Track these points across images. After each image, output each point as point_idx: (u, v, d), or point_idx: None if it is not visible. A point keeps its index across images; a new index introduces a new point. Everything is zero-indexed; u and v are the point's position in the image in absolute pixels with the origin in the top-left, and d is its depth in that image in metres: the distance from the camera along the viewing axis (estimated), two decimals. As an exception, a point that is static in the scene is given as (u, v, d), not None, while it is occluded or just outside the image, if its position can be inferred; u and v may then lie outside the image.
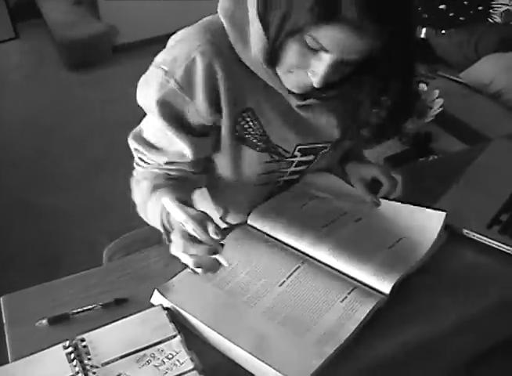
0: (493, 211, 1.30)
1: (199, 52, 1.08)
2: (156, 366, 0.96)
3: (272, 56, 1.04)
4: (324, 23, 0.91)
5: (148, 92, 1.14)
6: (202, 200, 1.43)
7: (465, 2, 3.35)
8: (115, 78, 4.12)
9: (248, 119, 1.18)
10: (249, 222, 1.27)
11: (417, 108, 2.30)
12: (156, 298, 1.09)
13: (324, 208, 1.31)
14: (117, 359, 0.97)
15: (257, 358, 0.95)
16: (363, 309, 1.05)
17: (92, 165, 3.23)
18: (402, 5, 0.94)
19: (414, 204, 1.28)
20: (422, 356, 1.12)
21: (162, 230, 1.17)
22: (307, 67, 1.03)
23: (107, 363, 0.97)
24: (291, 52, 1.01)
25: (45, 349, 1.01)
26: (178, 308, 1.06)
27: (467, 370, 1.27)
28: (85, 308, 1.09)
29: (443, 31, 3.35)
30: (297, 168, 1.32)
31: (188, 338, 1.01)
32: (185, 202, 1.08)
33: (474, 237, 1.25)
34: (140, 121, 1.23)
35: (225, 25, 1.09)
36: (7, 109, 3.87)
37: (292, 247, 1.20)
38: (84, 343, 1.01)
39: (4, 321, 1.10)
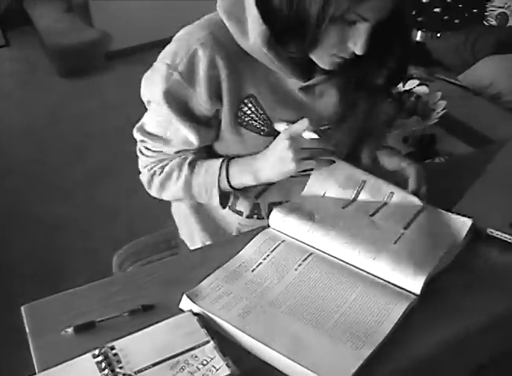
0: (515, 210, 1.30)
1: (200, 45, 1.16)
2: (191, 372, 0.94)
3: (311, 44, 1.09)
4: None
5: (152, 85, 1.22)
6: None
7: (460, 5, 3.36)
8: (109, 85, 4.10)
9: (250, 105, 1.23)
10: (270, 224, 1.26)
11: (421, 110, 2.30)
12: (185, 304, 1.07)
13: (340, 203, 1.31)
14: (149, 367, 0.95)
15: (294, 361, 0.94)
16: (397, 310, 1.04)
17: (90, 173, 3.21)
18: None
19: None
20: (451, 354, 1.11)
21: (217, 197, 1.27)
22: (346, 42, 1.09)
23: (140, 370, 0.95)
24: (332, 35, 1.06)
25: (73, 358, 0.98)
26: (208, 313, 1.04)
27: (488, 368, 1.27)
28: (111, 315, 1.07)
29: (439, 34, 3.37)
30: None
31: (221, 344, 0.99)
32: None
33: (498, 236, 1.24)
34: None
35: (224, 18, 1.16)
36: (0, 117, 3.84)
37: (318, 250, 1.19)
38: (114, 351, 0.98)
39: (27, 331, 1.08)
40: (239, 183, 1.27)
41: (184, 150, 1.28)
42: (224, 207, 1.32)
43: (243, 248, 1.20)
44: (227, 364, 0.94)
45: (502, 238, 1.24)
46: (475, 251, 1.22)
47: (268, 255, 1.17)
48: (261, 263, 1.15)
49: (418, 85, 2.47)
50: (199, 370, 0.94)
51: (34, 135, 3.61)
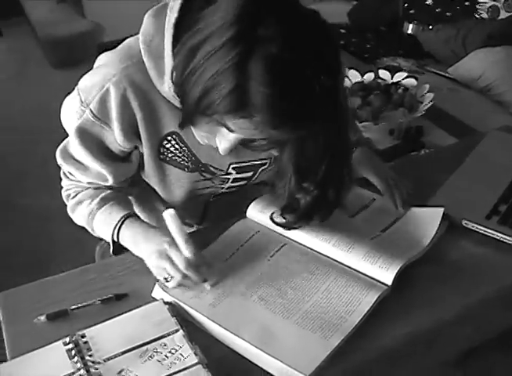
0: (491, 201, 1.30)
1: (112, 83, 1.08)
2: (159, 360, 0.94)
3: (187, 121, 1.04)
4: (232, 116, 0.91)
5: (68, 116, 1.18)
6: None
7: (452, -2, 3.36)
8: (101, 76, 4.08)
9: (174, 142, 1.17)
10: (248, 216, 1.26)
11: (408, 102, 2.30)
12: (157, 293, 1.08)
13: None
14: (118, 355, 0.96)
15: (262, 350, 0.94)
16: (367, 301, 1.04)
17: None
18: (314, 109, 0.92)
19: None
20: (422, 346, 1.12)
21: (111, 243, 1.19)
22: (215, 135, 1.03)
23: (109, 358, 0.96)
24: (203, 124, 1.01)
25: (44, 346, 0.99)
26: (179, 302, 1.05)
27: (459, 362, 1.27)
28: (85, 303, 1.07)
29: (430, 27, 3.36)
30: (235, 184, 1.30)
31: (191, 332, 0.99)
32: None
33: (474, 228, 1.24)
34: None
35: (142, 51, 1.06)
36: (-8, 107, 3.82)
37: (292, 240, 1.20)
38: (84, 339, 0.99)
39: (1, 319, 1.08)
40: (124, 244, 1.18)
41: (97, 184, 1.22)
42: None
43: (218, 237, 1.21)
44: (195, 353, 0.95)
45: (478, 230, 1.24)
46: (450, 243, 1.23)
47: (241, 245, 1.17)
48: (234, 253, 1.15)
49: (406, 78, 2.47)
50: (167, 358, 0.95)
51: (23, 126, 3.58)
